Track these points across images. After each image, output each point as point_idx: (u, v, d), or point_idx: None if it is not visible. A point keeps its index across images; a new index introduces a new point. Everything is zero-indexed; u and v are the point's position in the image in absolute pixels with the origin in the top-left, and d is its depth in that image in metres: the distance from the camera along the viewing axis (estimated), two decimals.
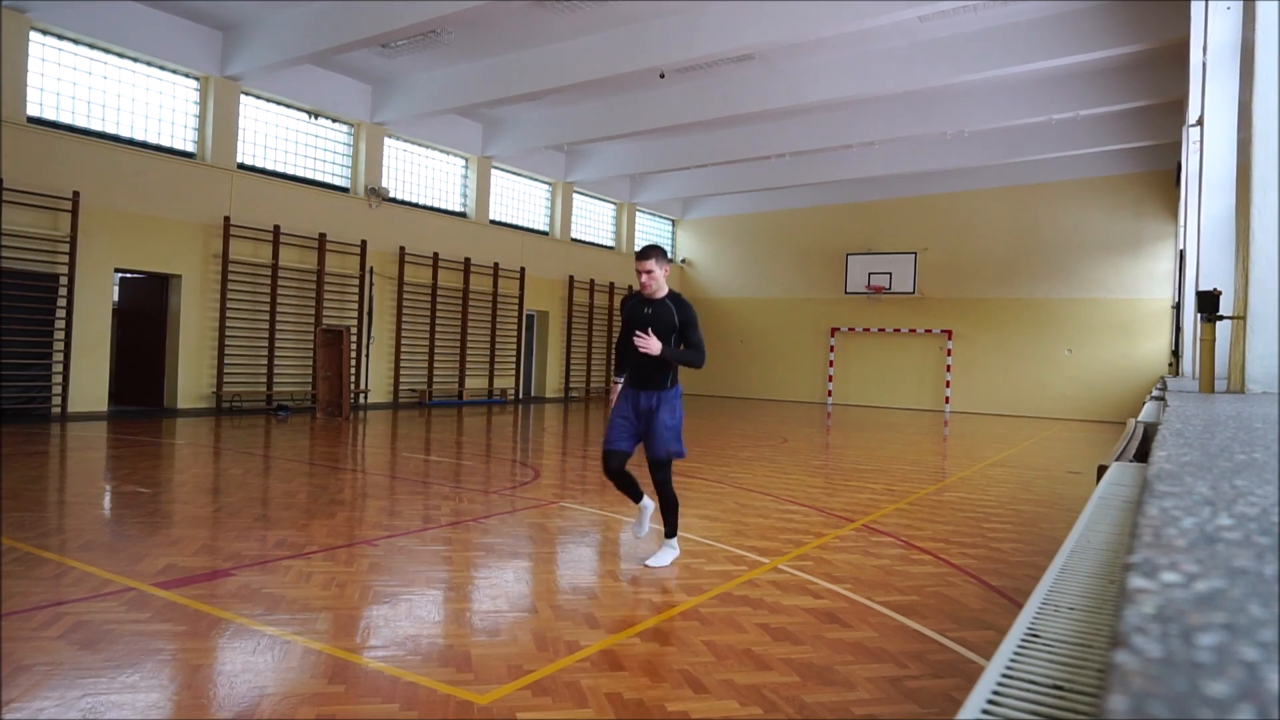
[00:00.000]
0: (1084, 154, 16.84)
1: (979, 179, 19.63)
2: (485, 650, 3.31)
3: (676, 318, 4.61)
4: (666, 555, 4.74)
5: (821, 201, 21.99)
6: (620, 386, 4.80)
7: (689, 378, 24.25)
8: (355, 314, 15.34)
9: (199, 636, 3.33)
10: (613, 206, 22.87)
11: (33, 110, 11.34)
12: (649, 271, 4.60)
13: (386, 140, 16.21)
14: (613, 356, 4.91)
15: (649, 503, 4.90)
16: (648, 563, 4.68)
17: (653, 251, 4.63)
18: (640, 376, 4.67)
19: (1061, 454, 11.73)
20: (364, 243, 15.35)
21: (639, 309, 4.69)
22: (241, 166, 13.84)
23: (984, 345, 20.15)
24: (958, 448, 12.44)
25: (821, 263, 22.21)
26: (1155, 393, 6.96)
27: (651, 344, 4.44)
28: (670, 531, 4.78)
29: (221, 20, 12.85)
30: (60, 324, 11.45)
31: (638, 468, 4.87)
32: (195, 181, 13.03)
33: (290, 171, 14.76)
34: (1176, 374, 11.14)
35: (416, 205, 16.99)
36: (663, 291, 4.69)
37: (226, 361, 13.36)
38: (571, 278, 20.53)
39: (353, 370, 14.87)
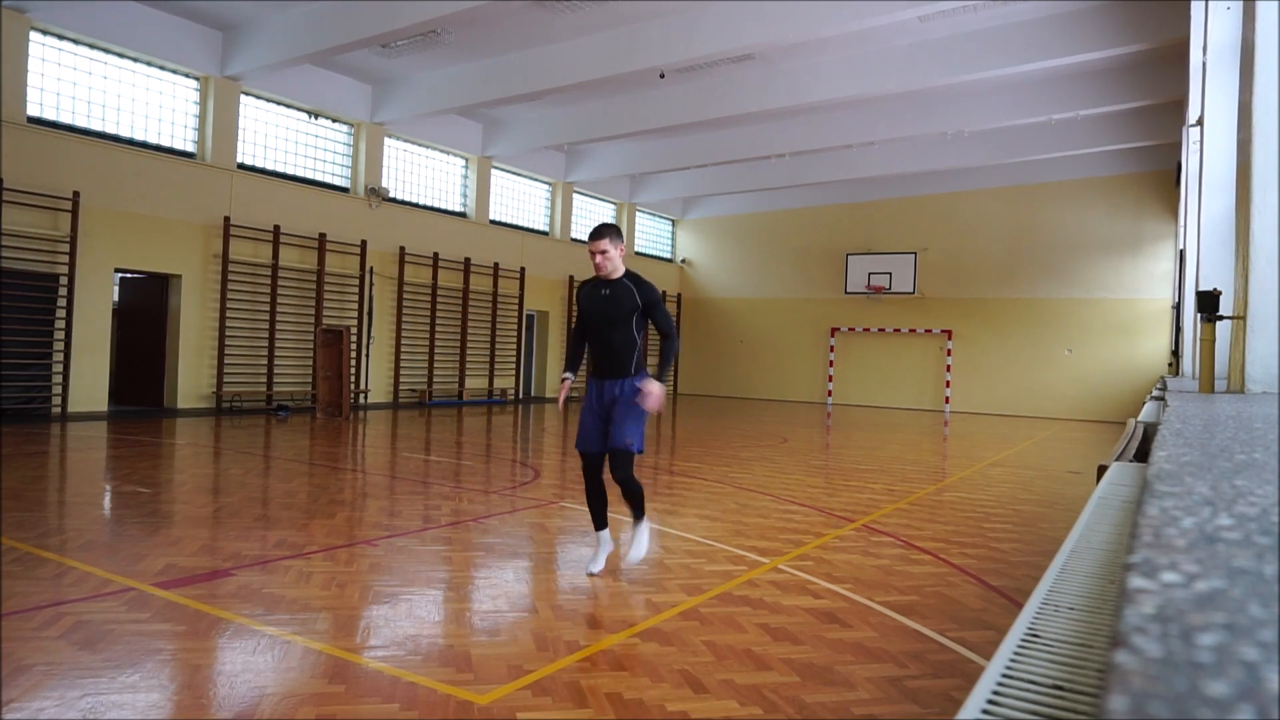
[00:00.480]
0: (1084, 154, 16.84)
1: (979, 179, 19.63)
2: (485, 650, 3.31)
3: (639, 297, 4.34)
4: (642, 541, 4.45)
5: (821, 201, 21.98)
6: (568, 384, 4.49)
7: (689, 378, 24.27)
8: (355, 314, 15.34)
9: (199, 636, 3.33)
10: (613, 206, 22.87)
11: (33, 110, 11.34)
12: (603, 252, 4.33)
13: (386, 140, 16.21)
14: (566, 349, 4.37)
15: (609, 539, 4.58)
16: (628, 559, 4.45)
17: (605, 230, 4.35)
18: (603, 365, 4.40)
19: (1061, 454, 11.73)
20: (364, 243, 15.35)
21: (596, 292, 4.42)
22: (241, 166, 13.84)
23: (984, 345, 20.15)
24: (957, 448, 12.44)
25: (821, 263, 22.20)
26: (1155, 393, 6.96)
27: (658, 395, 4.24)
28: (638, 515, 4.48)
29: (221, 20, 12.85)
30: (60, 324, 11.45)
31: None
32: (195, 181, 13.03)
33: (290, 171, 14.76)
34: (1176, 374, 11.14)
35: (416, 205, 16.98)
36: (619, 272, 4.41)
37: (226, 361, 13.36)
38: (571, 278, 20.52)
39: (353, 370, 14.87)
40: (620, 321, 4.34)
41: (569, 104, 16.07)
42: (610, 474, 4.41)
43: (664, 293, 23.69)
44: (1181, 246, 12.76)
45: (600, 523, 4.57)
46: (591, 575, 4.45)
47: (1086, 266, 18.98)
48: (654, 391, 4.26)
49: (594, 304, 4.41)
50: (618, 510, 4.98)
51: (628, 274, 4.43)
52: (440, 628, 3.58)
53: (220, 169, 13.34)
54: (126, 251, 12.29)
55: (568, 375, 4.53)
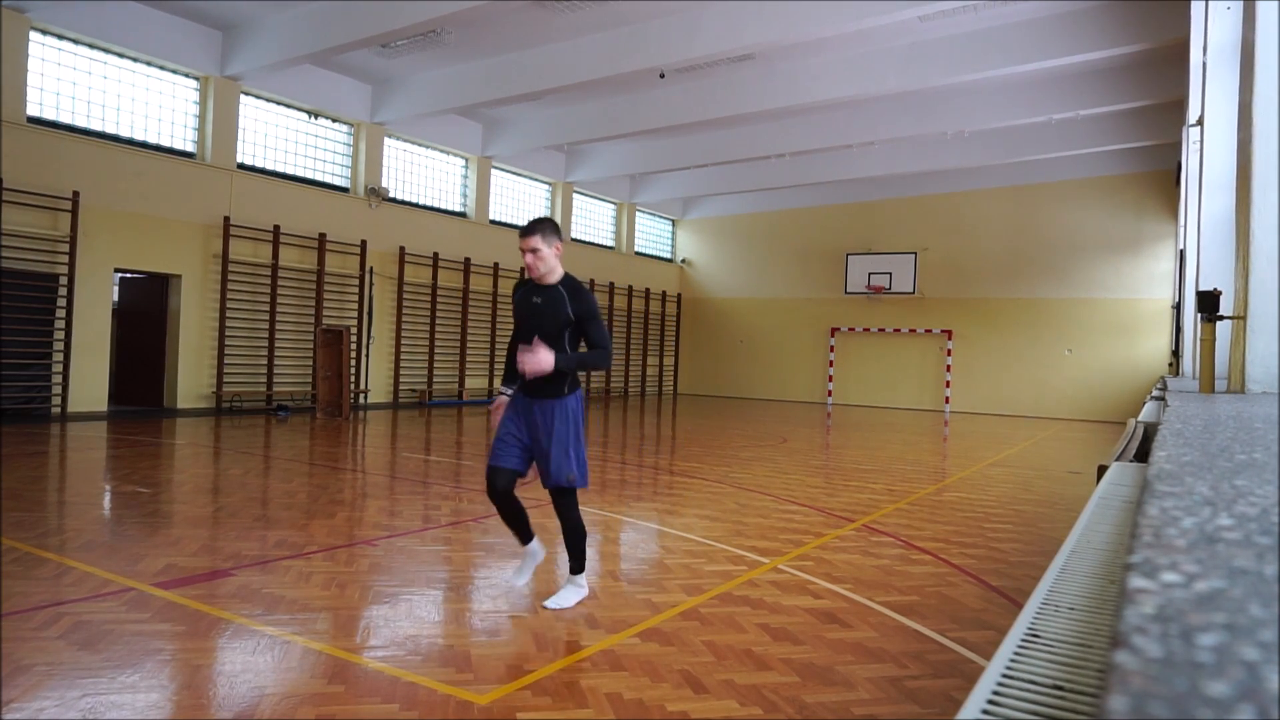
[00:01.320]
0: (1084, 154, 16.83)
1: (979, 179, 19.63)
2: (485, 650, 3.31)
3: (570, 308, 3.80)
4: (570, 595, 3.95)
5: (821, 201, 21.98)
6: (503, 402, 3.98)
7: (689, 378, 24.26)
8: (355, 314, 15.34)
9: (199, 636, 3.33)
10: (613, 206, 22.87)
11: (33, 110, 11.34)
12: (533, 250, 3.77)
13: (386, 140, 16.21)
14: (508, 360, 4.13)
15: (538, 549, 4.11)
16: (546, 603, 3.89)
17: (538, 226, 3.79)
18: (532, 381, 3.82)
19: (1061, 454, 11.73)
20: (364, 243, 15.35)
21: (527, 299, 3.90)
22: (241, 166, 13.84)
23: (984, 345, 20.15)
24: (958, 448, 12.43)
25: (821, 263, 22.20)
26: (1155, 393, 6.96)
27: (540, 360, 3.63)
28: (576, 567, 3.98)
29: (221, 20, 12.84)
30: (60, 324, 11.44)
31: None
32: (195, 181, 13.03)
33: (290, 171, 14.76)
34: (1176, 374, 11.13)
35: (416, 205, 16.98)
36: (555, 275, 3.86)
37: (226, 361, 13.36)
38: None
39: (353, 370, 14.87)
40: (551, 336, 3.81)
41: (569, 104, 16.07)
42: (554, 507, 3.99)
43: (663, 293, 23.71)
44: (1181, 246, 12.75)
45: (525, 537, 4.08)
46: (515, 586, 4.11)
47: (1087, 266, 18.98)
48: (540, 356, 3.66)
49: (524, 313, 3.91)
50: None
51: (565, 280, 3.88)
52: (440, 628, 3.58)
53: (220, 169, 13.34)
54: (126, 251, 12.28)
55: (505, 391, 4.00)
